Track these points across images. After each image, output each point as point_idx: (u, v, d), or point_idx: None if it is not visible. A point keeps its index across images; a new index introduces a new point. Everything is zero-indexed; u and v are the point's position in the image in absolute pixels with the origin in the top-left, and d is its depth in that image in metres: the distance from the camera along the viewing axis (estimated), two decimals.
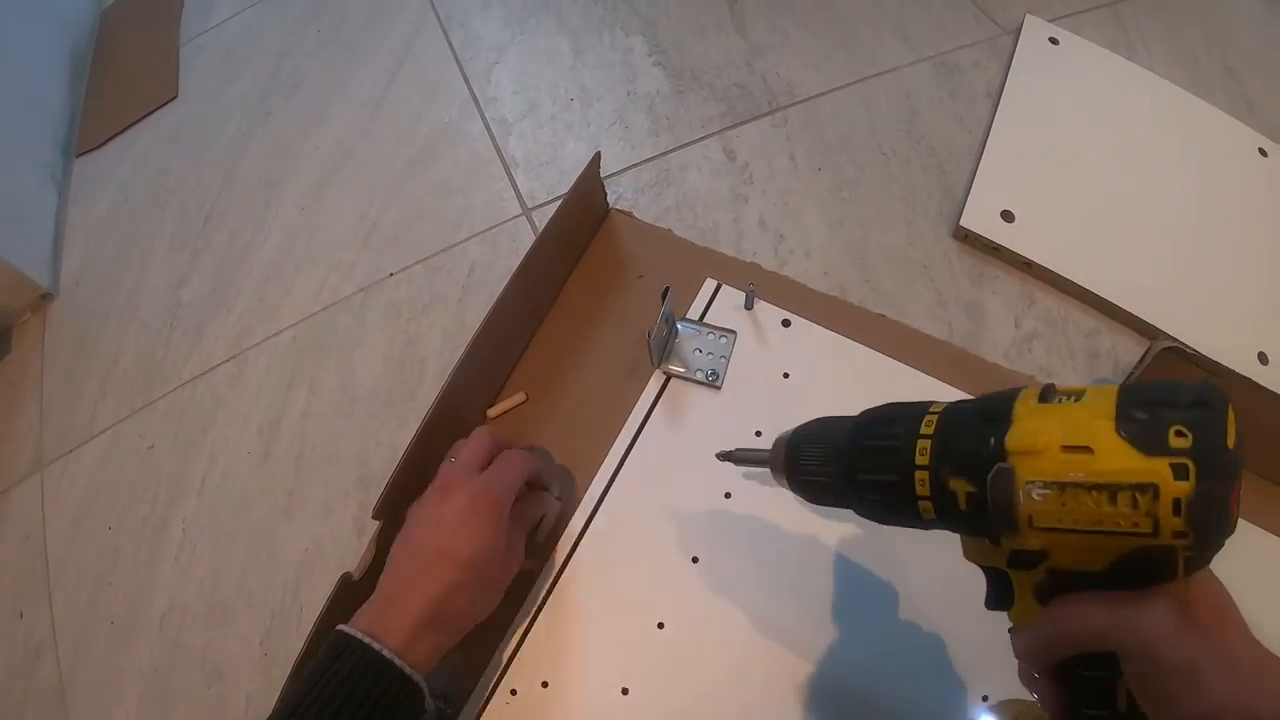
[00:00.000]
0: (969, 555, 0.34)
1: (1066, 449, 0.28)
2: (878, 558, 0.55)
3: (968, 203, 0.67)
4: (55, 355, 0.79)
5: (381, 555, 0.57)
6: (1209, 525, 0.26)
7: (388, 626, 0.43)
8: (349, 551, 0.62)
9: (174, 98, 0.93)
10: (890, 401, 0.38)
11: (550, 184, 0.73)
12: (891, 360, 0.61)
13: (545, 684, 0.53)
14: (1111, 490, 0.27)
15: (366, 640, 0.42)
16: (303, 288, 0.73)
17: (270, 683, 0.61)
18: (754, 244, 0.68)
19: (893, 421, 0.35)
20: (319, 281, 0.73)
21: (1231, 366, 0.59)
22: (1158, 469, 0.26)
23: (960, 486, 0.31)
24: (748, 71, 0.77)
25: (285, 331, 0.71)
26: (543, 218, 0.72)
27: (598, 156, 0.62)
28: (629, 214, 0.69)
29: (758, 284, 0.62)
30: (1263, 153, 0.73)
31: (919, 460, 0.33)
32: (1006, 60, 0.76)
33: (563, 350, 0.64)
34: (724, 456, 0.49)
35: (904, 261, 0.67)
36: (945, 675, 0.51)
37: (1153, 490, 0.26)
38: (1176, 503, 0.25)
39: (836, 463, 0.38)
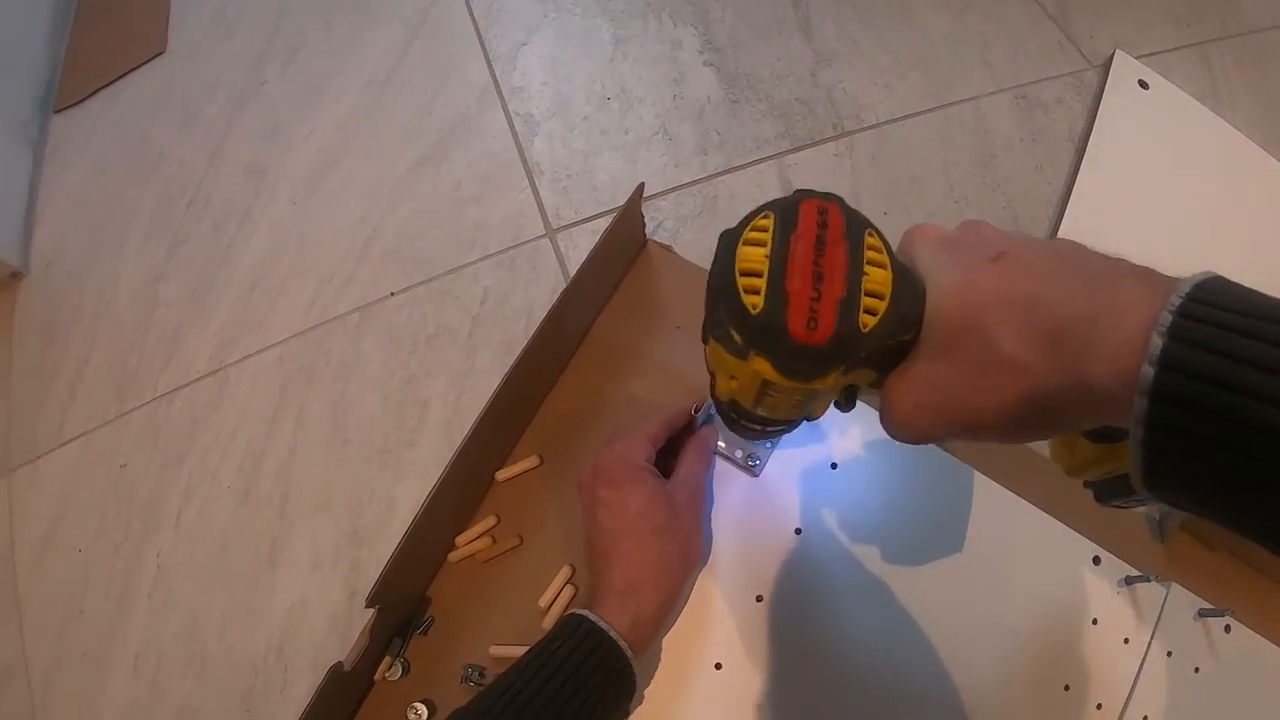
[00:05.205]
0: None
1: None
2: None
3: None
4: (24, 345, 0.64)
5: (376, 645, 0.45)
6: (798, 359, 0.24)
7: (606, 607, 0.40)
8: (339, 616, 0.50)
9: (162, 52, 0.74)
10: None
11: (579, 202, 0.58)
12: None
13: None
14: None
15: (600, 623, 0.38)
16: (292, 299, 0.59)
17: None
18: None
19: None
20: (310, 294, 0.58)
21: None
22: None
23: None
24: (811, 84, 0.60)
25: (271, 349, 0.57)
26: (569, 241, 0.57)
27: (641, 188, 0.47)
28: (669, 248, 0.54)
29: None
30: None
31: None
32: (1091, 99, 0.61)
33: (584, 408, 0.51)
34: None
35: None
36: None
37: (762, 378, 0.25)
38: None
39: None
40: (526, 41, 0.65)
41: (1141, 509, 0.31)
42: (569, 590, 0.47)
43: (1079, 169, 0.57)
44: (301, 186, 0.63)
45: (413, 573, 0.47)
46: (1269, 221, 0.59)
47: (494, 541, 0.48)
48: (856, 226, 0.23)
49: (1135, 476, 0.21)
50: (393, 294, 0.57)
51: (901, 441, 0.28)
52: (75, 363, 0.62)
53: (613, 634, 0.38)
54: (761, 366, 0.24)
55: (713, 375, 0.29)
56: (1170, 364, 0.18)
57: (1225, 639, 0.49)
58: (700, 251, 0.55)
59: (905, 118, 0.59)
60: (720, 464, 0.49)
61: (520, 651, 0.45)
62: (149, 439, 0.58)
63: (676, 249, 0.54)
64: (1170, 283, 0.20)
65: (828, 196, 0.24)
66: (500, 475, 0.50)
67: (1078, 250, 0.23)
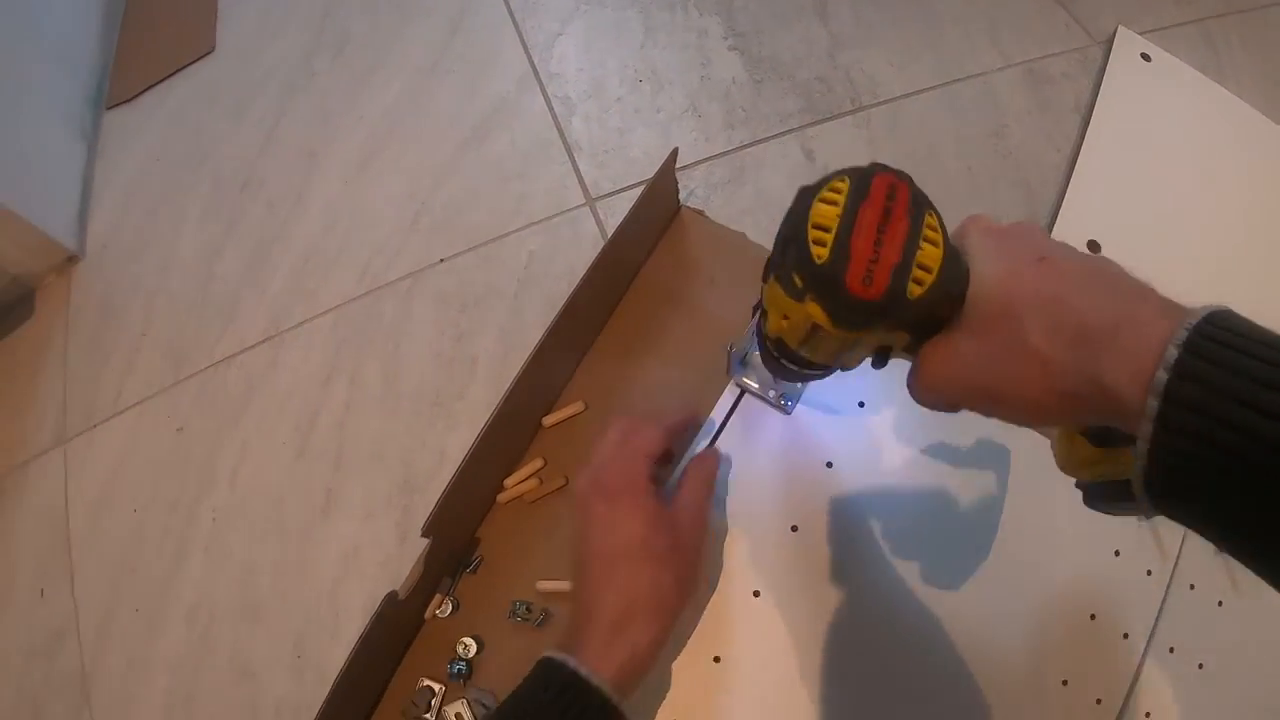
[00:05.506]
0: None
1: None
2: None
3: (1054, 230, 0.57)
4: (80, 323, 0.67)
5: (430, 574, 0.47)
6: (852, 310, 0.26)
7: (584, 643, 0.36)
8: (390, 559, 0.52)
9: (211, 51, 0.79)
10: None
11: (616, 174, 0.61)
12: None
13: None
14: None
15: (572, 664, 0.35)
16: (344, 269, 0.62)
17: (303, 687, 0.52)
18: None
19: None
20: (362, 263, 0.61)
21: None
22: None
23: None
24: (829, 64, 0.64)
25: (325, 315, 0.60)
26: (607, 209, 0.60)
27: (675, 153, 0.51)
28: (701, 213, 0.57)
29: None
30: None
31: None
32: (1096, 73, 0.65)
33: (625, 357, 0.54)
34: None
35: None
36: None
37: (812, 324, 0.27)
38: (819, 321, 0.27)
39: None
40: (562, 31, 0.69)
41: (1126, 517, 0.33)
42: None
43: (1085, 137, 0.60)
44: (353, 167, 0.66)
45: (463, 512, 0.49)
46: (1271, 185, 0.62)
47: (541, 483, 0.51)
48: (919, 205, 0.26)
49: (1136, 480, 0.22)
50: (442, 260, 0.60)
51: (923, 405, 0.31)
52: (132, 336, 0.65)
53: (595, 681, 0.34)
54: (815, 311, 0.26)
55: (765, 313, 0.32)
56: (1184, 373, 0.21)
57: (1247, 574, 0.51)
58: (730, 215, 0.58)
59: (919, 92, 0.63)
60: (754, 403, 0.51)
61: (566, 587, 0.47)
62: (205, 403, 0.60)
63: (708, 213, 0.58)
64: (1189, 310, 0.22)
65: (900, 175, 0.27)
66: (547, 421, 0.52)
67: (1113, 268, 0.26)
